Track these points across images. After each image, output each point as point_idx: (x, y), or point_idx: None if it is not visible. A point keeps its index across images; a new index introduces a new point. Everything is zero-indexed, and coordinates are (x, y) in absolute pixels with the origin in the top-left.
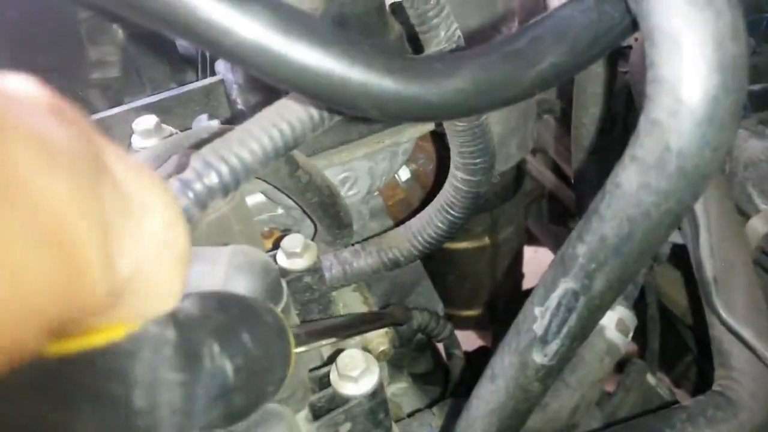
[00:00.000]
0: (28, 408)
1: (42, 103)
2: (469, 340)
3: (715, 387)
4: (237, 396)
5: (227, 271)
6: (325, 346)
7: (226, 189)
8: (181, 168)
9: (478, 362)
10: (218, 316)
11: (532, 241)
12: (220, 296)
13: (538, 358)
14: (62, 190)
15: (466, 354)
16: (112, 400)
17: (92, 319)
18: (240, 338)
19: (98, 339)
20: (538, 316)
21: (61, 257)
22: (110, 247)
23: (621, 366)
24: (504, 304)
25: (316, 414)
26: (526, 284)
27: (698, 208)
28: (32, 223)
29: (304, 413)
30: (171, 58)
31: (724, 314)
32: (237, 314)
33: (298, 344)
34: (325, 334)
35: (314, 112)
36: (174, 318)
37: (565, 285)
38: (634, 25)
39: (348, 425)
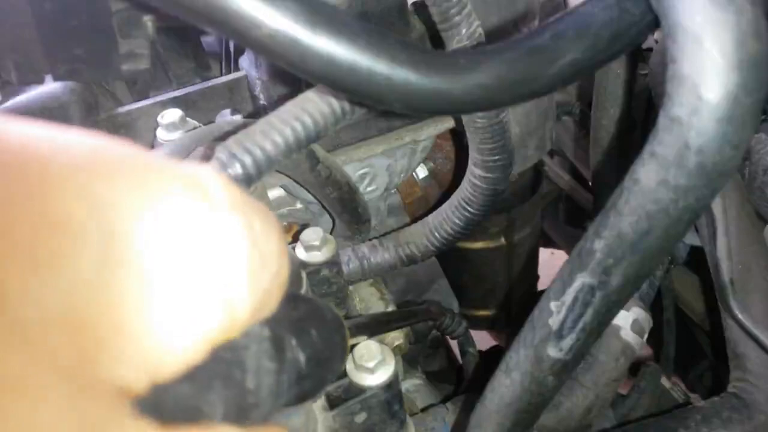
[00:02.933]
0: (183, 390)
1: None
2: (483, 340)
3: (730, 389)
4: (306, 382)
5: None
6: None
7: (249, 179)
8: (205, 159)
9: (491, 361)
10: (293, 314)
11: (549, 243)
12: (292, 296)
13: (553, 352)
14: (232, 251)
15: (480, 353)
16: (234, 383)
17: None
18: (309, 333)
19: (225, 337)
20: (554, 311)
21: (226, 303)
22: (252, 292)
23: (636, 369)
24: (519, 305)
25: (333, 403)
26: (542, 286)
27: (717, 210)
28: (212, 278)
29: (321, 402)
30: (196, 54)
31: (740, 316)
32: (305, 312)
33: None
34: (367, 329)
35: (336, 106)
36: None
37: (582, 280)
38: (655, 23)
39: (363, 415)
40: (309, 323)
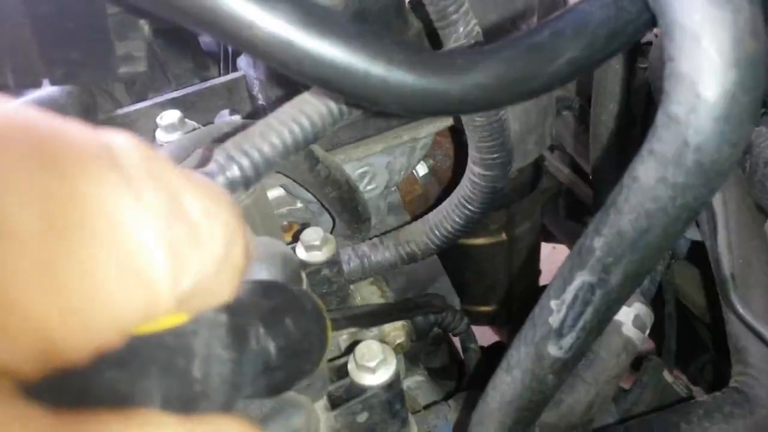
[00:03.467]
0: (111, 376)
1: (127, 147)
2: (485, 336)
3: (732, 383)
4: (278, 373)
5: None
6: (344, 337)
7: (247, 182)
8: (204, 161)
9: (493, 357)
10: (264, 302)
11: (550, 237)
12: (267, 284)
13: (554, 350)
14: (143, 224)
15: (482, 349)
16: (176, 370)
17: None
18: (283, 322)
19: (168, 322)
20: (554, 309)
21: (138, 281)
22: (178, 269)
23: (638, 363)
24: (520, 300)
25: (334, 403)
26: (543, 281)
27: (717, 204)
28: (117, 254)
29: (323, 402)
30: (194, 55)
31: (741, 310)
32: (280, 301)
33: (337, 328)
34: (369, 320)
35: (334, 107)
36: (227, 304)
37: (582, 278)
38: (653, 21)
39: (365, 415)
40: (283, 312)
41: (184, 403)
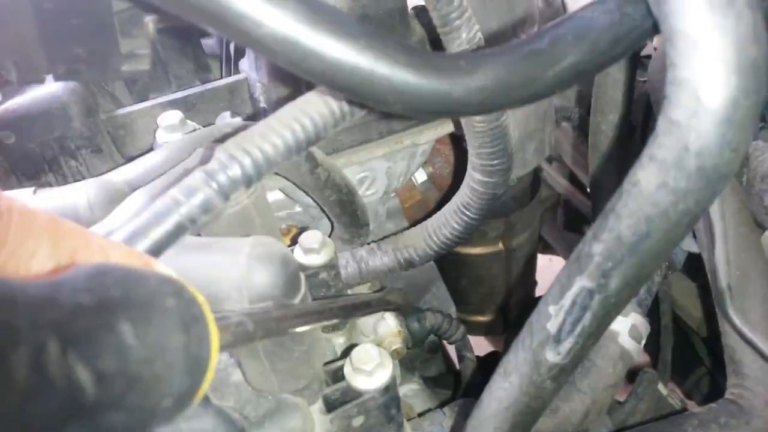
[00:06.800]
0: None
1: None
2: (480, 346)
3: (727, 395)
4: (109, 415)
5: (248, 261)
6: (340, 341)
7: (248, 181)
8: (205, 161)
9: (489, 366)
10: (73, 301)
11: (547, 249)
12: (96, 271)
13: (551, 356)
14: None
15: (478, 358)
16: None
17: None
18: (112, 332)
19: None
20: (552, 314)
21: None
22: None
23: (633, 376)
24: (516, 310)
25: (330, 406)
26: (539, 292)
27: (715, 216)
28: None
29: (318, 405)
30: (197, 56)
31: (737, 322)
32: (115, 297)
33: (284, 328)
34: (323, 315)
35: (336, 108)
36: None
37: (581, 283)
38: (655, 28)
39: (361, 418)
40: (116, 316)
41: None
